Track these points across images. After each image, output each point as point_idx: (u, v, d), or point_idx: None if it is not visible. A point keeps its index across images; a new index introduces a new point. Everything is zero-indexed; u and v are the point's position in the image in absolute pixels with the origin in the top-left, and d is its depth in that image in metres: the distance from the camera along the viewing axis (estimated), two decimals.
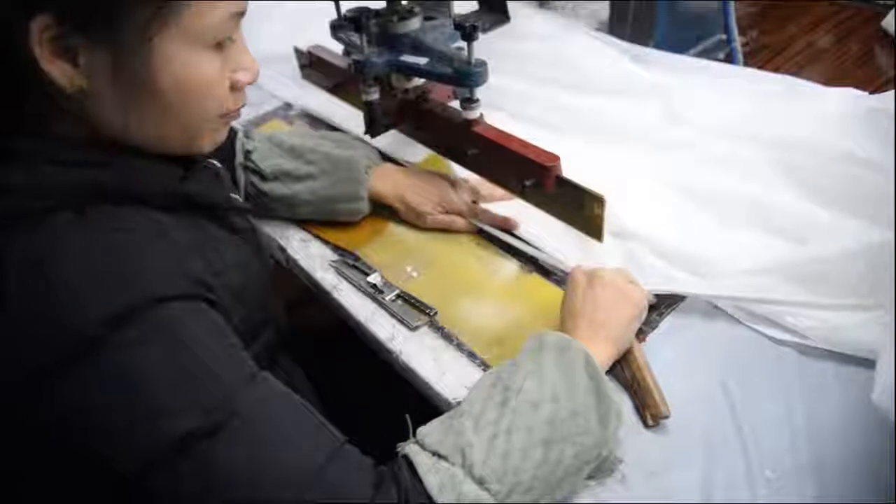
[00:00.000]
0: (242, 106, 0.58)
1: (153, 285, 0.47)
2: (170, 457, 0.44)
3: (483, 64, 0.74)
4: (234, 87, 0.56)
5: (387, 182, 0.84)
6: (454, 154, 0.87)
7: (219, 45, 0.53)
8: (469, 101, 0.79)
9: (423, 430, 0.54)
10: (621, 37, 1.06)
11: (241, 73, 0.56)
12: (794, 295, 0.68)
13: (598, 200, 0.72)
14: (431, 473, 0.50)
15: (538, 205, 0.80)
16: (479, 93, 0.78)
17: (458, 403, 0.64)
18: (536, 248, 0.80)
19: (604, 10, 1.17)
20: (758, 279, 0.70)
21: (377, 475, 0.50)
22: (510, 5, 1.01)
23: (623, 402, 0.62)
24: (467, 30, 0.70)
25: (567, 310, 0.66)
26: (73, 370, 0.44)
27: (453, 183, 0.85)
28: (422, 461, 0.51)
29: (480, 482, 0.50)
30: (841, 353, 0.65)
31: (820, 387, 0.63)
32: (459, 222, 0.84)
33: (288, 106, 1.14)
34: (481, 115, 0.81)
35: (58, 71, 0.47)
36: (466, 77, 0.74)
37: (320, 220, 0.85)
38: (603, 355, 0.62)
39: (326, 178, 0.82)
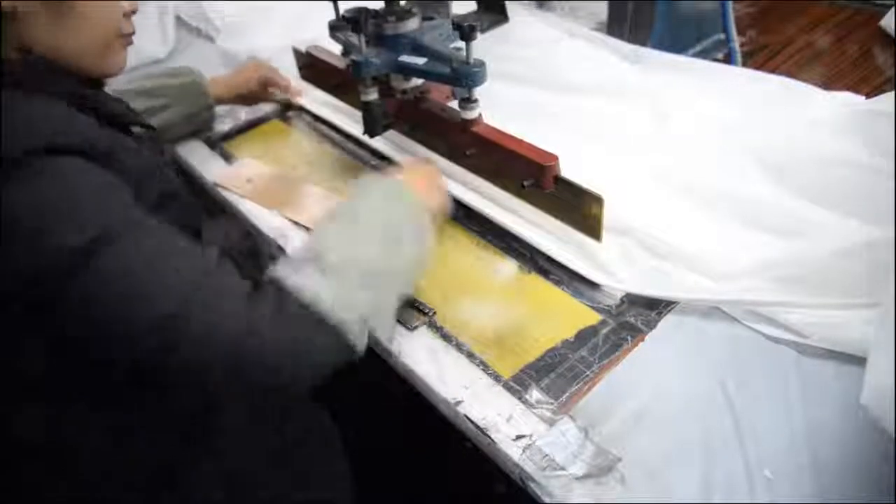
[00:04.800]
0: (132, 33, 0.68)
1: (46, 136, 0.52)
2: (60, 271, 0.50)
3: (481, 64, 0.74)
4: (125, 14, 0.67)
5: (218, 89, 1.08)
6: (453, 154, 0.87)
7: None
8: (468, 101, 0.79)
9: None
10: (620, 37, 1.06)
11: (126, 2, 0.67)
12: (792, 294, 0.68)
13: (597, 200, 0.72)
14: (295, 276, 0.57)
15: (537, 204, 0.80)
16: (478, 93, 0.78)
17: (458, 404, 0.64)
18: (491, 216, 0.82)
19: (602, 11, 1.17)
20: (755, 278, 0.70)
21: (252, 286, 0.57)
22: (508, 5, 1.01)
23: None
24: (466, 30, 0.70)
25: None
26: None
27: (260, 67, 1.11)
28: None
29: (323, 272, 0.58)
30: (840, 352, 0.64)
31: (819, 386, 0.63)
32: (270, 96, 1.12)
33: (287, 107, 1.14)
34: (480, 114, 0.81)
35: None
36: (465, 77, 0.74)
37: (188, 132, 1.07)
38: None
39: (179, 105, 1.03)
